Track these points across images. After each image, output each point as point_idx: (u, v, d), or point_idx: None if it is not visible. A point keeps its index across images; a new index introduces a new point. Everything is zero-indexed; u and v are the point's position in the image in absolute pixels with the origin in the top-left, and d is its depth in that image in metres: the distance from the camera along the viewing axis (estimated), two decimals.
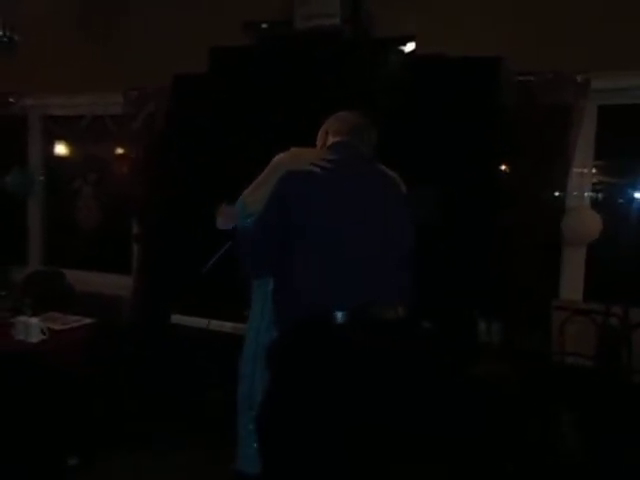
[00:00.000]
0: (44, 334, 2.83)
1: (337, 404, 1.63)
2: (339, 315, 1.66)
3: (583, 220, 2.94)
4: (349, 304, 1.67)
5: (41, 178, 4.42)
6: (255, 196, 1.87)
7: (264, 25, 3.22)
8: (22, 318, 2.87)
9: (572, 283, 3.03)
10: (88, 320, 3.15)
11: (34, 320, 2.86)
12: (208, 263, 2.73)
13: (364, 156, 1.95)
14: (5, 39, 3.20)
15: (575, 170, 2.96)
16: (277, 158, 1.87)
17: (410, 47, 2.92)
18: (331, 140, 1.99)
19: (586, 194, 3.04)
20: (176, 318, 3.20)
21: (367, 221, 1.77)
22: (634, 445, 2.47)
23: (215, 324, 3.02)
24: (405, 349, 1.75)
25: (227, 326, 2.98)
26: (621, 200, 3.21)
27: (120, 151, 4.06)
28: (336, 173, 1.79)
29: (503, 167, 3.00)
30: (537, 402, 2.63)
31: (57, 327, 2.99)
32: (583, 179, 3.02)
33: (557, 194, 2.99)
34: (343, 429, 1.65)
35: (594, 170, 3.06)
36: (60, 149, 4.44)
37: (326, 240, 1.72)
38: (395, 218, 1.86)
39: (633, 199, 3.13)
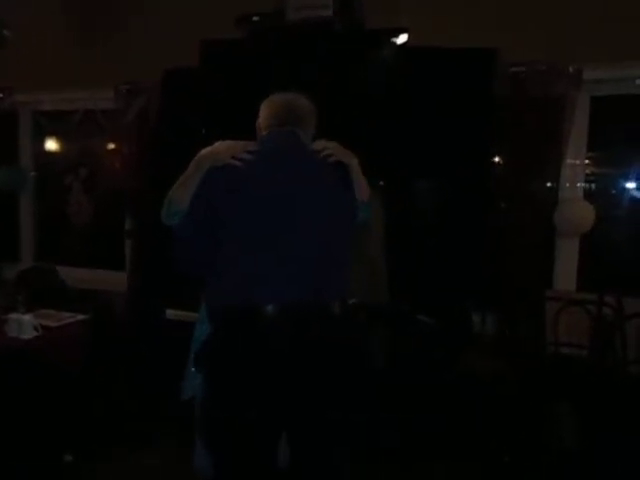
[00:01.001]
0: (37, 331, 2.82)
1: (264, 396, 1.65)
2: (268, 308, 1.64)
3: (576, 211, 2.95)
4: (278, 298, 1.65)
5: (32, 174, 4.39)
6: (179, 193, 1.83)
7: (255, 18, 3.20)
8: (15, 315, 2.85)
9: (566, 274, 3.04)
10: (81, 316, 3.14)
11: (27, 317, 2.84)
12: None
13: (295, 144, 1.85)
14: None
15: (568, 161, 2.98)
16: (200, 153, 1.83)
17: (403, 39, 2.91)
18: (261, 129, 1.94)
19: (579, 184, 3.04)
20: (171, 313, 3.19)
21: (295, 212, 1.71)
22: (628, 435, 2.49)
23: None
24: (334, 342, 1.71)
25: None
26: (614, 191, 3.22)
27: (112, 146, 4.03)
28: (259, 165, 1.76)
29: (496, 159, 3.00)
30: (532, 392, 2.64)
31: (50, 324, 2.97)
32: (576, 170, 3.02)
33: (550, 185, 2.99)
34: (270, 423, 1.69)
35: (587, 161, 3.07)
36: (51, 145, 4.41)
37: (250, 233, 1.70)
38: (330, 208, 1.77)
39: (626, 190, 3.15)
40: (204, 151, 1.82)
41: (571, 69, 2.80)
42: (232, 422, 1.67)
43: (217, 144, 1.83)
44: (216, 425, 1.72)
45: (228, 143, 1.81)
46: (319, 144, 1.86)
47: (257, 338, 1.65)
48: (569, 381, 2.62)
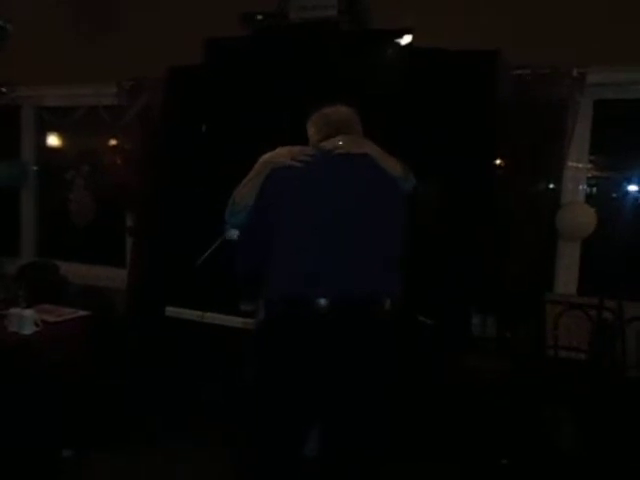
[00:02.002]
0: (37, 326, 2.82)
1: (304, 384, 1.77)
2: (321, 301, 1.74)
3: (578, 215, 2.94)
4: (331, 292, 1.74)
5: (34, 169, 4.39)
6: (242, 193, 1.95)
7: (259, 16, 3.20)
8: (15, 310, 2.86)
9: (566, 277, 3.04)
10: (82, 312, 3.14)
11: (27, 312, 2.84)
12: (202, 256, 2.72)
13: (352, 152, 1.94)
14: None
15: (570, 164, 2.97)
16: (263, 157, 1.96)
17: (407, 39, 2.91)
18: (314, 138, 2.06)
19: (581, 187, 3.04)
20: (171, 310, 3.20)
21: (347, 210, 1.82)
22: (627, 438, 2.49)
23: (210, 316, 3.01)
24: (380, 339, 1.80)
25: (221, 318, 2.97)
26: (616, 195, 3.22)
27: (114, 143, 4.03)
28: (317, 166, 1.88)
29: (498, 161, 3.00)
30: (531, 395, 2.64)
31: (51, 319, 2.97)
32: (578, 173, 3.02)
33: (552, 188, 2.99)
34: (305, 408, 1.80)
35: (589, 165, 3.07)
36: (54, 140, 4.41)
37: (306, 229, 1.82)
38: (381, 213, 1.87)
39: (628, 193, 3.14)
40: (266, 155, 1.96)
41: (575, 72, 2.80)
42: (274, 400, 1.78)
43: (278, 149, 1.96)
44: (260, 400, 1.82)
45: (288, 148, 1.95)
46: (331, 142, 1.95)
47: (308, 329, 1.76)
48: (568, 384, 2.62)
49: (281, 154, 1.92)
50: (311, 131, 2.09)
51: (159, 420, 3.10)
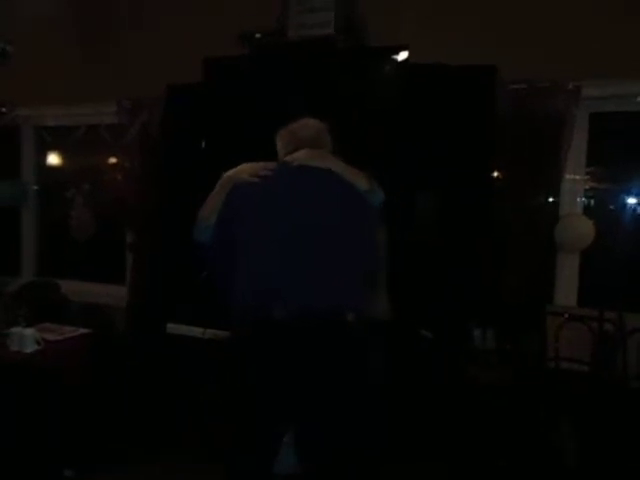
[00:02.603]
0: (39, 345, 2.82)
1: (268, 396, 1.79)
2: (280, 315, 1.74)
3: (576, 227, 2.96)
4: (290, 306, 1.74)
5: (34, 188, 4.40)
6: (206, 210, 2.00)
7: (258, 35, 3.24)
8: (16, 329, 2.86)
9: (566, 289, 3.05)
10: (83, 330, 3.14)
11: (29, 331, 2.85)
12: (203, 272, 2.73)
13: (313, 166, 1.96)
14: None
15: (568, 177, 2.99)
16: (226, 173, 2.00)
17: (403, 56, 2.94)
18: (281, 153, 2.09)
19: (579, 199, 3.06)
20: (172, 327, 3.20)
21: (307, 226, 1.82)
22: (629, 450, 2.48)
23: (211, 333, 3.01)
24: (339, 351, 1.78)
25: (223, 335, 2.97)
26: (613, 206, 3.24)
27: (114, 161, 4.06)
28: (278, 180, 1.91)
29: (497, 174, 3.03)
30: (533, 407, 2.63)
31: (52, 338, 2.97)
32: (576, 186, 3.04)
33: (550, 201, 3.01)
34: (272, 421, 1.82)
35: (586, 177, 3.09)
36: (54, 159, 4.43)
37: (265, 242, 1.83)
38: (345, 227, 1.86)
39: (625, 205, 3.16)
40: (229, 171, 1.99)
41: (570, 86, 2.83)
42: (240, 411, 1.83)
43: (242, 165, 1.98)
44: (228, 412, 1.88)
45: (250, 164, 1.97)
46: (294, 157, 1.99)
47: (268, 343, 1.76)
48: (570, 396, 2.62)
49: (243, 170, 1.95)
50: (278, 145, 2.11)
51: (162, 439, 3.09)
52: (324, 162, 1.95)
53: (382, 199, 2.04)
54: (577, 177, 3.03)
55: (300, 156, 1.99)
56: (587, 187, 3.12)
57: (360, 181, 1.95)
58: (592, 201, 3.15)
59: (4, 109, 4.15)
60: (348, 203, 1.90)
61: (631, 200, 3.14)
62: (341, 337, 1.77)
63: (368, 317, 1.92)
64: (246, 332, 1.81)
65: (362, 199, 1.92)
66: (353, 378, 1.78)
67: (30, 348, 2.79)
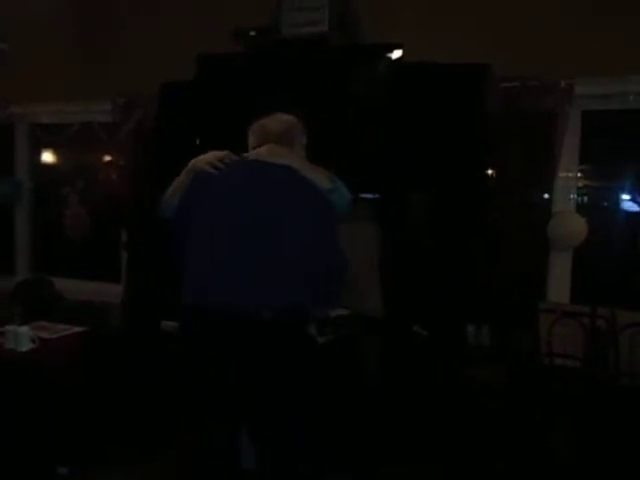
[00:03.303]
0: (34, 343, 2.82)
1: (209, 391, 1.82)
2: (206, 309, 1.78)
3: (569, 224, 2.98)
4: (217, 299, 1.77)
5: (29, 185, 4.40)
6: (171, 193, 2.04)
7: (252, 32, 3.24)
8: (11, 327, 2.86)
9: (559, 286, 3.07)
10: (78, 328, 3.14)
11: (23, 329, 2.85)
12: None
13: (272, 162, 1.95)
14: None
15: (560, 175, 3.00)
16: (191, 161, 2.03)
17: (397, 54, 2.95)
18: (250, 147, 2.10)
19: (571, 196, 3.08)
20: (166, 324, 3.20)
21: (256, 219, 1.81)
22: (621, 445, 2.50)
23: None
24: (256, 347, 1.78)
25: None
26: (606, 203, 3.26)
27: (109, 158, 4.05)
28: (234, 173, 1.92)
29: (490, 172, 3.04)
30: (526, 403, 2.65)
31: (47, 336, 2.97)
32: (568, 183, 3.06)
33: (543, 198, 3.03)
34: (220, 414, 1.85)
35: (579, 174, 3.11)
36: (48, 157, 4.43)
37: (209, 234, 1.85)
38: (296, 223, 1.84)
39: (617, 202, 3.18)
40: (194, 159, 2.01)
41: (563, 84, 2.85)
42: (191, 404, 1.88)
43: (208, 153, 2.00)
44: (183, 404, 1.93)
45: (214, 153, 1.99)
46: (255, 152, 2.02)
47: (208, 335, 1.79)
48: (563, 392, 2.64)
49: (205, 159, 1.97)
50: (249, 139, 2.12)
51: (157, 437, 3.09)
52: (284, 159, 1.95)
53: (348, 198, 2.03)
54: (570, 175, 3.05)
55: (261, 152, 2.00)
56: (580, 185, 3.14)
57: (322, 180, 1.94)
58: (585, 198, 3.17)
59: None
60: (304, 200, 1.88)
61: (623, 197, 3.15)
62: (275, 334, 1.76)
63: (317, 314, 1.96)
64: (187, 321, 1.84)
65: (321, 197, 1.90)
66: (289, 374, 1.77)
67: (25, 346, 2.79)
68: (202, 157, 1.99)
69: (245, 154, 2.03)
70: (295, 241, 1.82)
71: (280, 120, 2.09)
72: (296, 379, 1.78)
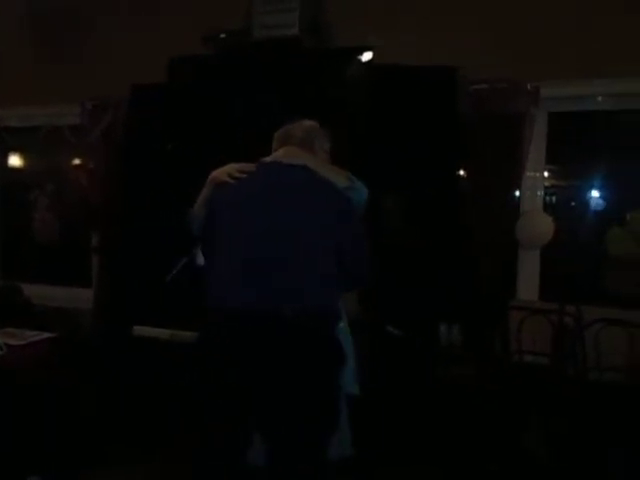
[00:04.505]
0: (1, 350, 2.77)
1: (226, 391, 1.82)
2: (229, 312, 1.79)
3: (536, 223, 3.04)
4: (239, 302, 1.78)
5: None
6: (196, 208, 2.06)
7: (223, 35, 3.23)
8: None
9: (528, 284, 3.13)
10: (47, 334, 3.09)
11: None
12: (170, 275, 2.72)
13: (287, 163, 1.98)
14: None
15: (528, 174, 3.06)
16: (213, 172, 2.05)
17: (367, 57, 2.98)
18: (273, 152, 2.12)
19: (539, 193, 3.13)
20: (138, 329, 3.17)
21: (278, 223, 1.83)
22: (589, 439, 2.56)
23: (179, 335, 3.00)
24: (279, 346, 1.78)
25: (191, 337, 2.96)
26: (573, 202, 3.34)
27: (78, 162, 4.00)
28: (252, 180, 1.94)
29: (461, 174, 3.08)
30: (497, 400, 2.70)
31: (15, 342, 2.92)
32: (536, 183, 3.12)
33: (511, 198, 3.08)
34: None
35: (546, 174, 3.17)
36: (16, 160, 4.35)
37: (228, 242, 1.88)
38: (316, 223, 1.86)
39: (584, 201, 3.26)
40: (214, 172, 2.03)
41: (529, 87, 2.90)
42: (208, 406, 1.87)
43: (227, 165, 2.01)
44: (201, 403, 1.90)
45: (232, 165, 2.00)
46: (272, 156, 2.03)
47: (233, 338, 1.79)
48: (533, 388, 2.69)
49: (224, 170, 1.99)
50: (273, 144, 2.14)
51: (128, 444, 3.06)
52: (299, 159, 1.97)
53: (365, 195, 2.08)
54: (537, 174, 3.11)
55: (279, 154, 2.03)
56: (548, 184, 3.20)
57: (338, 178, 1.97)
58: (554, 198, 3.24)
59: None
60: (322, 198, 1.90)
61: (590, 196, 3.23)
62: (276, 330, 1.77)
63: (340, 315, 1.94)
64: (214, 327, 1.83)
65: (339, 195, 1.92)
66: (303, 375, 1.77)
67: None
68: (221, 169, 2.01)
69: (264, 158, 2.04)
70: (316, 240, 1.83)
71: (302, 125, 2.12)
72: (313, 379, 1.79)
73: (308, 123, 2.14)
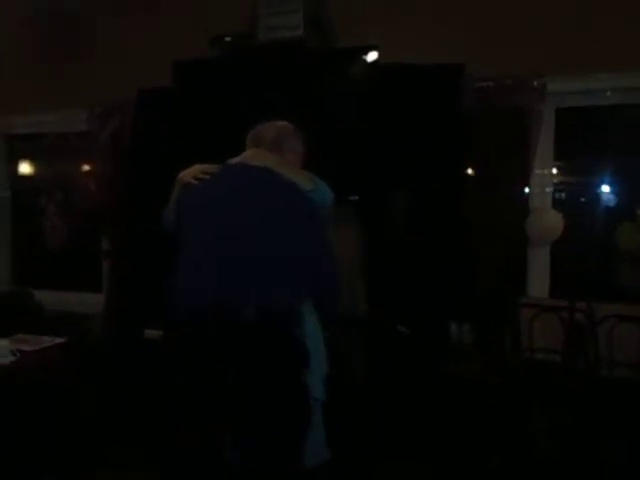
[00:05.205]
0: (14, 355, 2.79)
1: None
2: (192, 311, 1.82)
3: (546, 220, 3.02)
4: (208, 301, 1.80)
5: (7, 195, 4.34)
6: (168, 208, 2.10)
7: (228, 38, 3.24)
8: None
9: (538, 281, 3.11)
10: (59, 340, 3.11)
11: (4, 342, 2.81)
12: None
13: (251, 165, 1.98)
14: None
15: (537, 171, 3.05)
16: (179, 175, 2.08)
17: (373, 56, 2.98)
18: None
19: (547, 190, 3.12)
20: (150, 333, 3.18)
21: (238, 224, 1.84)
22: (601, 436, 2.54)
23: None
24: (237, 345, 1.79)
25: None
26: (583, 199, 3.31)
27: (86, 168, 4.02)
28: (215, 182, 1.96)
29: (467, 172, 3.07)
30: (509, 398, 2.68)
31: (28, 348, 2.93)
32: (544, 180, 3.10)
33: (521, 195, 3.07)
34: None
35: (555, 170, 3.16)
36: (25, 167, 4.38)
37: (194, 241, 1.90)
38: (275, 223, 1.86)
39: (594, 197, 3.23)
40: (181, 172, 2.05)
41: (535, 83, 2.89)
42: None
43: (192, 167, 2.03)
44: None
45: (198, 166, 2.03)
46: (238, 157, 2.04)
47: (185, 338, 1.86)
48: (544, 385, 2.67)
49: (189, 172, 2.02)
50: (246, 146, 2.14)
51: (141, 447, 3.07)
52: (263, 161, 1.97)
53: (330, 198, 2.05)
54: (545, 171, 3.09)
55: (246, 156, 2.03)
56: (557, 181, 3.18)
57: (301, 180, 1.96)
58: (563, 194, 3.22)
59: None
60: (283, 200, 1.90)
61: (600, 192, 3.20)
62: (267, 337, 1.78)
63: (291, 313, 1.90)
64: (178, 327, 1.88)
65: (301, 196, 1.91)
66: (265, 375, 1.78)
67: (5, 359, 2.75)
68: (187, 170, 2.03)
69: (230, 159, 2.05)
70: (277, 241, 1.83)
71: (273, 126, 2.12)
72: (275, 379, 1.79)
73: (280, 124, 2.12)
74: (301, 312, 1.89)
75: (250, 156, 2.03)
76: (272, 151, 2.04)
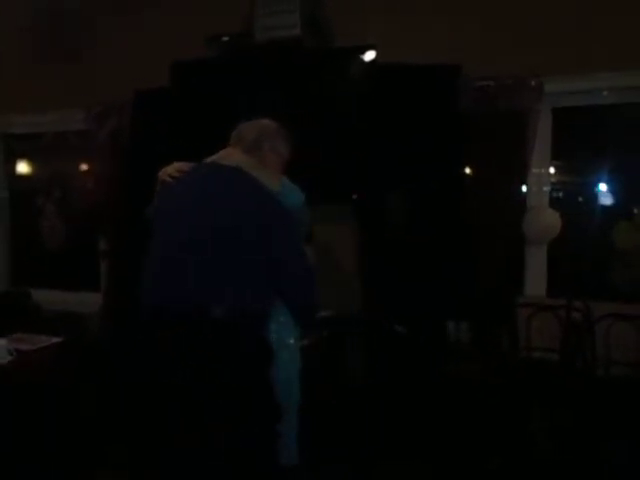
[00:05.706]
0: (12, 355, 2.79)
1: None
2: (157, 311, 1.83)
3: (543, 219, 3.03)
4: (167, 300, 1.81)
5: (4, 196, 4.34)
6: (150, 206, 2.08)
7: (225, 38, 3.24)
8: None
9: (536, 280, 3.12)
10: (57, 339, 3.10)
11: (1, 341, 2.80)
12: None
13: (223, 165, 1.96)
14: None
15: (534, 171, 3.05)
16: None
17: (370, 56, 2.98)
18: None
19: (545, 189, 3.13)
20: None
21: (201, 222, 1.83)
22: (601, 436, 2.55)
23: None
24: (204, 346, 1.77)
25: None
26: (580, 197, 3.32)
27: (84, 167, 4.02)
28: (188, 181, 1.95)
29: (465, 171, 3.08)
30: (506, 397, 2.69)
31: (25, 348, 2.93)
32: (542, 179, 3.11)
33: (518, 194, 3.07)
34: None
35: (553, 170, 3.16)
36: (23, 167, 4.38)
37: (162, 240, 1.90)
38: (242, 224, 1.83)
39: (590, 196, 3.24)
40: (161, 170, 2.04)
41: (533, 82, 2.90)
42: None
43: (170, 165, 2.03)
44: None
45: (175, 164, 2.02)
46: (213, 156, 2.02)
47: (151, 338, 1.87)
48: (544, 385, 2.68)
49: (165, 171, 2.01)
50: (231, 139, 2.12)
51: (139, 447, 3.06)
52: (235, 160, 1.95)
53: (300, 199, 2.05)
54: (542, 170, 3.10)
55: (220, 155, 2.01)
56: (554, 180, 3.19)
57: (271, 181, 1.94)
58: (560, 193, 3.23)
59: None
60: (251, 200, 1.87)
61: (597, 191, 3.21)
62: (233, 336, 1.76)
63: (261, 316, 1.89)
64: (145, 326, 1.89)
65: (268, 197, 1.88)
66: (231, 374, 1.76)
67: (3, 359, 2.75)
68: (165, 168, 2.03)
69: (206, 158, 2.04)
70: (244, 241, 1.81)
71: (255, 126, 2.08)
72: (241, 378, 1.77)
73: (262, 123, 2.08)
74: (269, 314, 1.90)
75: (223, 155, 2.01)
76: (251, 151, 2.01)
